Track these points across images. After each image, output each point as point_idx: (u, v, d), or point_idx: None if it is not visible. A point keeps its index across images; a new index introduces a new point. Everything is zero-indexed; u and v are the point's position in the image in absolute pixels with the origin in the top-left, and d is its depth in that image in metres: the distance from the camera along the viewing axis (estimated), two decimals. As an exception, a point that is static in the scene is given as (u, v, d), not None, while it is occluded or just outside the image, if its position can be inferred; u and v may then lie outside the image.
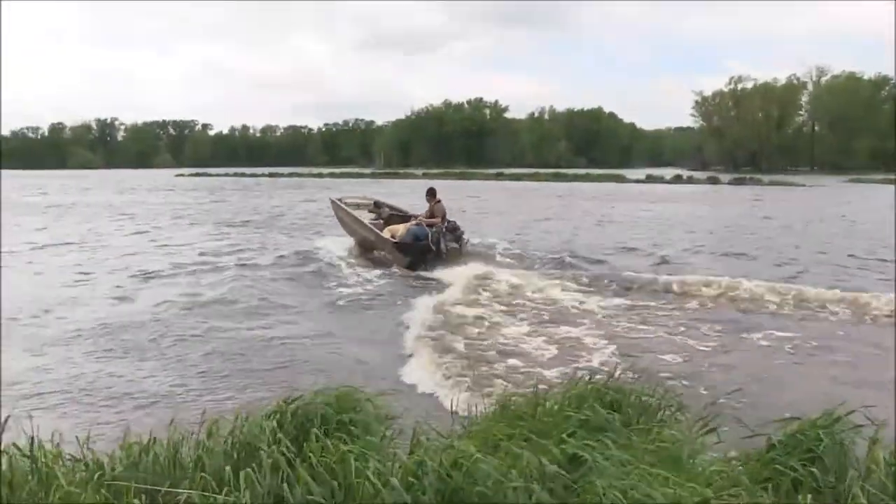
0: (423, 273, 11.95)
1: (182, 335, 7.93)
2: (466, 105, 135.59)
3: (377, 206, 16.33)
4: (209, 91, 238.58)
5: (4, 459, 2.93)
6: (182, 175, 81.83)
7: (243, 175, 79.64)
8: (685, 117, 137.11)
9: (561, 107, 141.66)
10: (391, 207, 16.26)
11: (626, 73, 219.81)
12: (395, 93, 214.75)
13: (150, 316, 8.92)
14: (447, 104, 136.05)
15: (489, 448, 3.06)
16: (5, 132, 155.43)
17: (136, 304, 9.89)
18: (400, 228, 13.24)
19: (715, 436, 3.47)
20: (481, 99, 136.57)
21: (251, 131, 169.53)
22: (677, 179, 60.57)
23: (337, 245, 14.84)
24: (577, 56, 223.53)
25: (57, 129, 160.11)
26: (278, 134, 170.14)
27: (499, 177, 67.87)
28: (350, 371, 6.33)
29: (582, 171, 72.18)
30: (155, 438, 3.11)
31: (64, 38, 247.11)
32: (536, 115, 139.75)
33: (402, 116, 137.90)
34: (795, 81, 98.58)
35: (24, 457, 2.95)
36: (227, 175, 79.38)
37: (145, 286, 11.24)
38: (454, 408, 4.20)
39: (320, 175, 77.29)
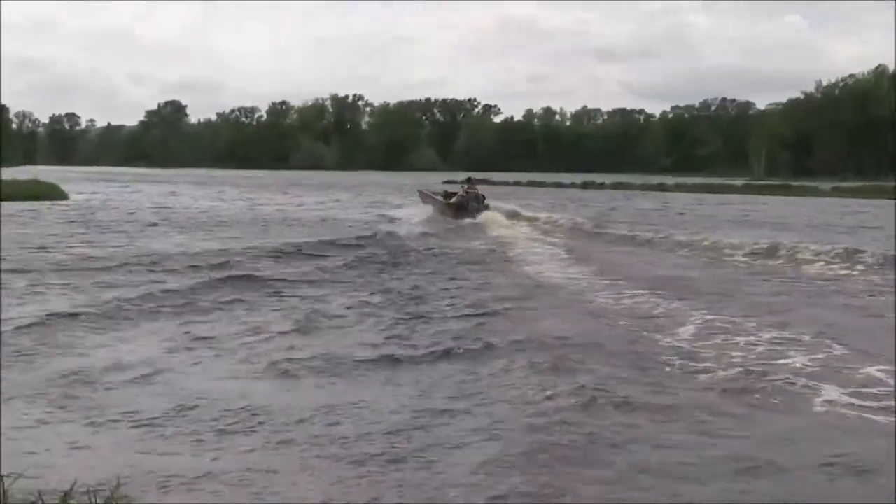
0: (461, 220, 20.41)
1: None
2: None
3: (449, 193, 25.52)
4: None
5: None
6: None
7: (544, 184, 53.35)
8: None
9: None
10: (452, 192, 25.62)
11: None
12: (792, 59, 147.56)
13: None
14: (879, 72, 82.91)
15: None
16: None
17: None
18: (454, 197, 22.97)
19: None
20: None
21: (557, 117, 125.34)
22: None
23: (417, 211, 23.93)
24: None
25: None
26: (600, 122, 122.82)
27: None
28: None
29: None
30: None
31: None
32: None
33: (800, 96, 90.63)
34: None
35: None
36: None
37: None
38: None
39: (662, 187, 48.48)
